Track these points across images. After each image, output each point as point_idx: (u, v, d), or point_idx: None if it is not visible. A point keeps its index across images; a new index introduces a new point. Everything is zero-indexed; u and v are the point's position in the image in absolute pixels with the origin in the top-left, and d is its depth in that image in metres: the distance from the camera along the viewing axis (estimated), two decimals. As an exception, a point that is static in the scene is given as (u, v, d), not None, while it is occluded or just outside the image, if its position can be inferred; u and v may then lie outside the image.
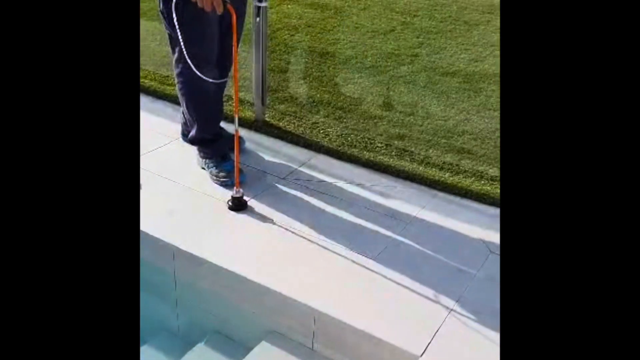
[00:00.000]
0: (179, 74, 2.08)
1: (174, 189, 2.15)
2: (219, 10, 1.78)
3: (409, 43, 3.51)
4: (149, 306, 2.01)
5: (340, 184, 2.23)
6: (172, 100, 2.77)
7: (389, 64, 3.23)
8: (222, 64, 2.08)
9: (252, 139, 2.51)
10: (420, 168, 2.34)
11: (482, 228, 2.02)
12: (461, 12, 4.00)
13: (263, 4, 1.88)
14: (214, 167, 2.17)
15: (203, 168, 2.22)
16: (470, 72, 3.17)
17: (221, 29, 2.00)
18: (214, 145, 2.20)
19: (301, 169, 2.30)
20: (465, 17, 3.91)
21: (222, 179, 2.14)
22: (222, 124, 2.30)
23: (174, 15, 1.87)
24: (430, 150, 2.46)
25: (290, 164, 2.31)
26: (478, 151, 2.47)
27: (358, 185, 2.22)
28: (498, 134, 2.61)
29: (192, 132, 2.20)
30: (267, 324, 1.77)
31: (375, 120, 2.68)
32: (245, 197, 2.06)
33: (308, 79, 3.06)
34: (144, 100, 2.78)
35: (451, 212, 2.10)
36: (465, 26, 3.78)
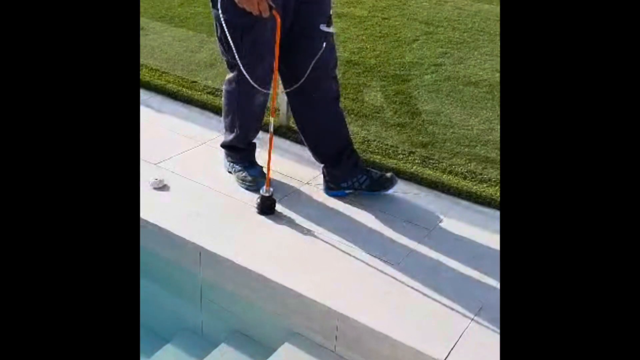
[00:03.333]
0: (231, 92, 2.11)
1: (200, 191, 2.18)
2: (265, 14, 1.80)
3: (432, 52, 3.52)
4: (173, 305, 2.04)
5: (364, 189, 2.24)
6: (200, 105, 2.82)
7: (412, 73, 3.25)
8: (319, 87, 2.08)
9: (276, 145, 2.53)
10: (444, 176, 2.35)
11: (505, 236, 2.02)
12: (484, 23, 4.01)
13: (330, 30, 1.86)
14: (241, 171, 2.20)
15: (230, 172, 2.26)
16: (494, 82, 3.17)
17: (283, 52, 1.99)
18: (244, 151, 2.24)
19: (325, 174, 2.32)
20: (489, 28, 3.92)
21: (248, 184, 2.17)
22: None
23: (232, 44, 1.92)
24: (454, 159, 2.47)
25: (313, 169, 2.34)
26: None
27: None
28: (521, 144, 2.61)
29: (228, 138, 2.23)
30: (289, 325, 1.79)
31: (398, 128, 2.70)
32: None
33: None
34: (173, 105, 2.83)
35: (474, 221, 2.10)
36: (488, 37, 3.79)
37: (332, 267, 1.84)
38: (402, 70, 3.28)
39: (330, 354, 1.72)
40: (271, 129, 2.02)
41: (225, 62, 2.10)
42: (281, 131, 2.61)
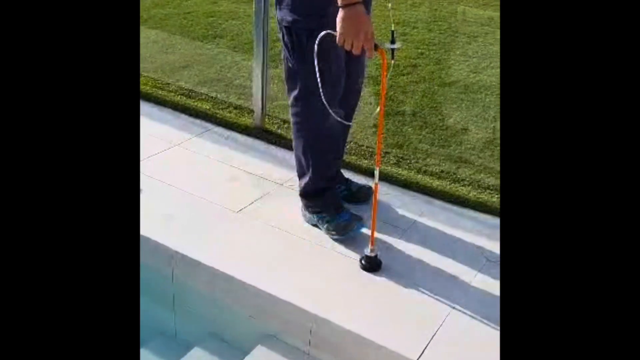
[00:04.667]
0: (297, 114, 1.85)
1: (173, 193, 2.16)
2: (370, 56, 1.59)
3: (408, 54, 3.54)
4: (147, 309, 2.01)
5: (339, 190, 2.24)
6: (173, 106, 2.79)
7: (387, 74, 3.26)
8: (348, 101, 1.90)
9: (251, 146, 2.53)
10: (418, 176, 2.35)
11: (479, 236, 2.03)
12: (460, 25, 4.04)
13: (397, 46, 1.76)
14: (329, 222, 1.91)
15: (315, 225, 1.97)
16: (469, 82, 3.20)
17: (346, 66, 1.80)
18: (325, 194, 1.94)
19: (300, 175, 2.32)
20: (465, 30, 3.95)
21: (342, 231, 1.89)
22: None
23: (308, 48, 1.64)
24: (428, 159, 2.48)
25: (289, 171, 2.33)
26: (475, 160, 2.49)
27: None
28: (496, 143, 2.64)
29: (305, 181, 1.94)
30: (264, 327, 1.78)
31: (373, 130, 2.70)
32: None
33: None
34: (146, 107, 2.80)
35: (448, 220, 2.11)
36: (464, 38, 3.82)
37: (306, 268, 1.84)
38: (377, 72, 3.29)
39: (303, 356, 1.71)
40: (376, 179, 1.76)
41: (285, 75, 1.83)
42: (256, 132, 2.60)
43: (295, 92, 1.83)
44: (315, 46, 1.61)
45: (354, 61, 1.82)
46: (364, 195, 2.12)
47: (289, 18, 1.66)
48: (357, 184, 2.16)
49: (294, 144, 1.96)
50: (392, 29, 1.69)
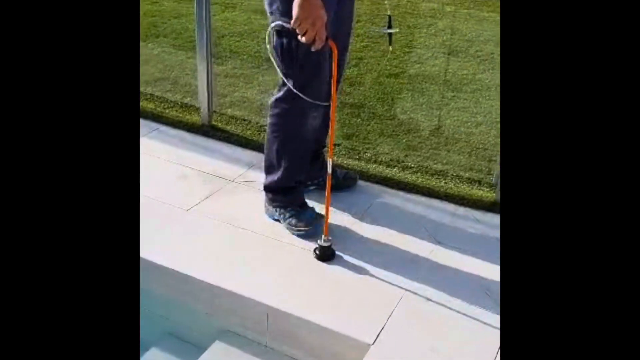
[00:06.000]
0: (277, 114, 1.87)
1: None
2: (317, 46, 1.60)
3: (353, 47, 3.57)
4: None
5: (290, 183, 2.25)
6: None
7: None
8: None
9: (200, 144, 2.51)
10: (368, 166, 2.39)
11: (428, 220, 2.08)
12: (404, 17, 4.11)
13: (393, 30, 1.71)
14: (292, 218, 1.94)
15: (276, 220, 1.99)
16: (414, 73, 3.26)
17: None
18: (293, 192, 1.97)
19: (250, 170, 2.31)
20: (407, 22, 4.02)
21: (302, 229, 1.92)
22: None
23: (299, 52, 1.69)
24: (377, 148, 2.52)
25: (239, 167, 2.32)
26: (423, 148, 2.55)
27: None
28: (441, 130, 2.70)
29: (272, 179, 1.95)
30: (221, 323, 1.77)
31: (322, 122, 2.72)
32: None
33: (254, 83, 3.08)
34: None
35: (398, 207, 2.15)
36: (407, 29, 3.88)
37: (261, 262, 1.84)
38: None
39: (261, 348, 1.72)
40: (329, 169, 1.79)
41: (280, 79, 1.83)
42: (204, 130, 2.58)
43: (279, 94, 1.84)
44: (305, 50, 1.65)
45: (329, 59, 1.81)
46: (349, 182, 2.18)
47: (280, 22, 1.68)
48: (342, 171, 2.20)
49: (266, 142, 1.95)
50: (389, 13, 1.74)
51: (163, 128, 2.61)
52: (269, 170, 1.97)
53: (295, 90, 1.74)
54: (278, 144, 1.90)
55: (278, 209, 1.97)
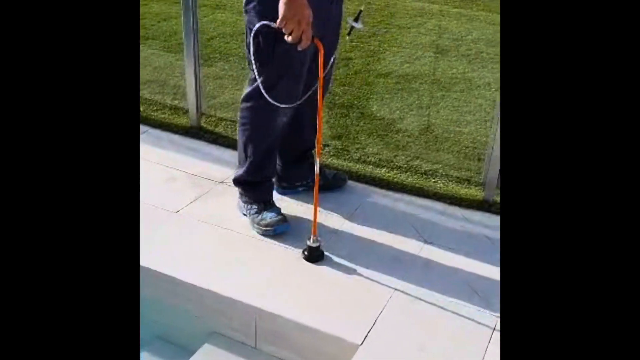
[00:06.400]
0: (247, 108, 1.89)
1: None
2: (304, 45, 1.60)
3: (342, 47, 3.57)
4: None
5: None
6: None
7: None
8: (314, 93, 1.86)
9: (189, 146, 2.50)
10: (358, 166, 2.39)
11: (417, 219, 2.08)
12: (393, 17, 4.12)
13: (358, 25, 1.72)
14: (256, 215, 1.95)
15: (245, 214, 2.01)
16: (403, 73, 3.27)
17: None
18: (259, 188, 1.99)
19: (239, 172, 2.31)
20: (397, 21, 4.02)
21: (264, 229, 1.93)
22: None
23: (262, 52, 1.70)
24: (367, 149, 2.52)
25: (228, 168, 2.32)
26: (412, 147, 2.55)
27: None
28: (431, 130, 2.70)
29: (240, 172, 1.98)
30: (210, 326, 1.77)
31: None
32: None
33: (243, 85, 3.07)
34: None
35: (388, 206, 2.15)
36: (397, 29, 3.89)
37: (249, 264, 1.84)
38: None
39: (251, 350, 1.71)
40: (317, 169, 1.78)
41: (250, 76, 1.86)
42: (193, 132, 2.57)
43: (249, 89, 1.87)
44: (279, 51, 1.67)
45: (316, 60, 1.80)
46: (338, 182, 2.19)
47: (256, 21, 1.68)
48: (331, 172, 2.21)
49: (237, 135, 1.99)
50: (361, 8, 1.77)
51: (152, 130, 2.60)
52: (239, 162, 2.01)
53: (262, 90, 1.74)
54: (245, 137, 1.93)
55: (245, 204, 2.00)
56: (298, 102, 1.84)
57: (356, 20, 1.70)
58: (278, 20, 1.58)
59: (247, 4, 1.74)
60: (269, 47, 1.72)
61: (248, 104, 1.89)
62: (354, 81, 3.15)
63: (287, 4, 1.55)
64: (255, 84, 1.81)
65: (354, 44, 3.62)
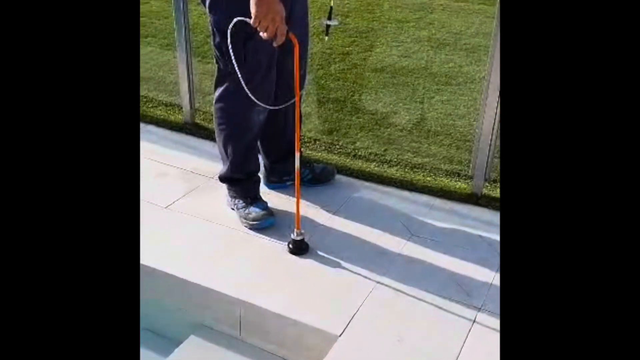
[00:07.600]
0: (223, 108, 1.91)
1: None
2: (279, 41, 1.61)
3: (342, 42, 3.59)
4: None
5: (269, 179, 2.27)
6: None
7: (319, 63, 3.30)
8: (276, 92, 1.91)
9: (182, 141, 2.54)
10: (348, 160, 2.41)
11: (404, 212, 2.09)
12: (392, 11, 4.12)
13: (333, 22, 1.74)
14: (243, 209, 1.98)
15: (232, 209, 2.04)
16: (398, 67, 3.27)
17: (278, 57, 1.84)
18: (245, 184, 2.02)
19: (230, 167, 2.33)
20: (395, 16, 4.02)
21: (251, 222, 1.96)
22: None
23: (231, 51, 1.70)
24: (357, 143, 2.54)
25: (218, 164, 2.34)
26: (403, 141, 2.56)
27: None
28: (423, 124, 2.71)
29: (223, 169, 2.03)
30: (196, 318, 1.80)
31: (303, 118, 2.74)
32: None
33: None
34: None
35: (375, 200, 2.17)
36: (396, 24, 3.89)
37: (235, 257, 1.86)
38: (310, 61, 3.32)
39: (235, 341, 1.74)
40: (297, 164, 1.80)
41: (217, 75, 1.89)
42: (186, 128, 2.61)
43: (220, 89, 1.89)
44: (249, 44, 1.69)
45: (289, 55, 1.80)
46: (327, 176, 2.21)
47: (225, 21, 1.69)
48: (319, 166, 2.23)
49: (215, 134, 2.01)
50: (331, 4, 1.75)
51: (147, 127, 2.64)
52: (222, 160, 2.05)
53: (243, 85, 1.74)
54: (223, 137, 1.96)
55: (232, 199, 2.03)
56: (281, 107, 1.86)
57: (329, 18, 1.72)
58: (252, 19, 1.59)
59: (211, 3, 1.75)
60: (241, 45, 1.74)
61: (221, 105, 1.91)
62: (349, 76, 3.16)
63: (257, 3, 1.56)
64: (225, 85, 1.85)
65: (352, 39, 3.63)
